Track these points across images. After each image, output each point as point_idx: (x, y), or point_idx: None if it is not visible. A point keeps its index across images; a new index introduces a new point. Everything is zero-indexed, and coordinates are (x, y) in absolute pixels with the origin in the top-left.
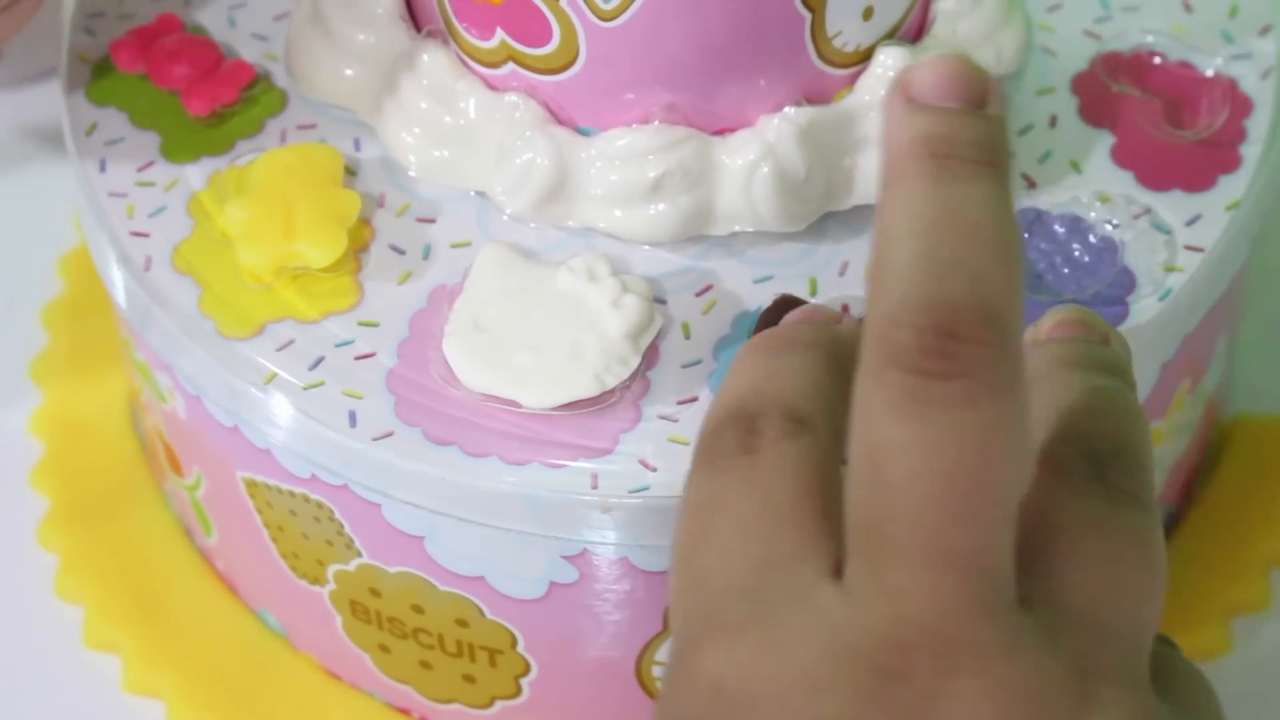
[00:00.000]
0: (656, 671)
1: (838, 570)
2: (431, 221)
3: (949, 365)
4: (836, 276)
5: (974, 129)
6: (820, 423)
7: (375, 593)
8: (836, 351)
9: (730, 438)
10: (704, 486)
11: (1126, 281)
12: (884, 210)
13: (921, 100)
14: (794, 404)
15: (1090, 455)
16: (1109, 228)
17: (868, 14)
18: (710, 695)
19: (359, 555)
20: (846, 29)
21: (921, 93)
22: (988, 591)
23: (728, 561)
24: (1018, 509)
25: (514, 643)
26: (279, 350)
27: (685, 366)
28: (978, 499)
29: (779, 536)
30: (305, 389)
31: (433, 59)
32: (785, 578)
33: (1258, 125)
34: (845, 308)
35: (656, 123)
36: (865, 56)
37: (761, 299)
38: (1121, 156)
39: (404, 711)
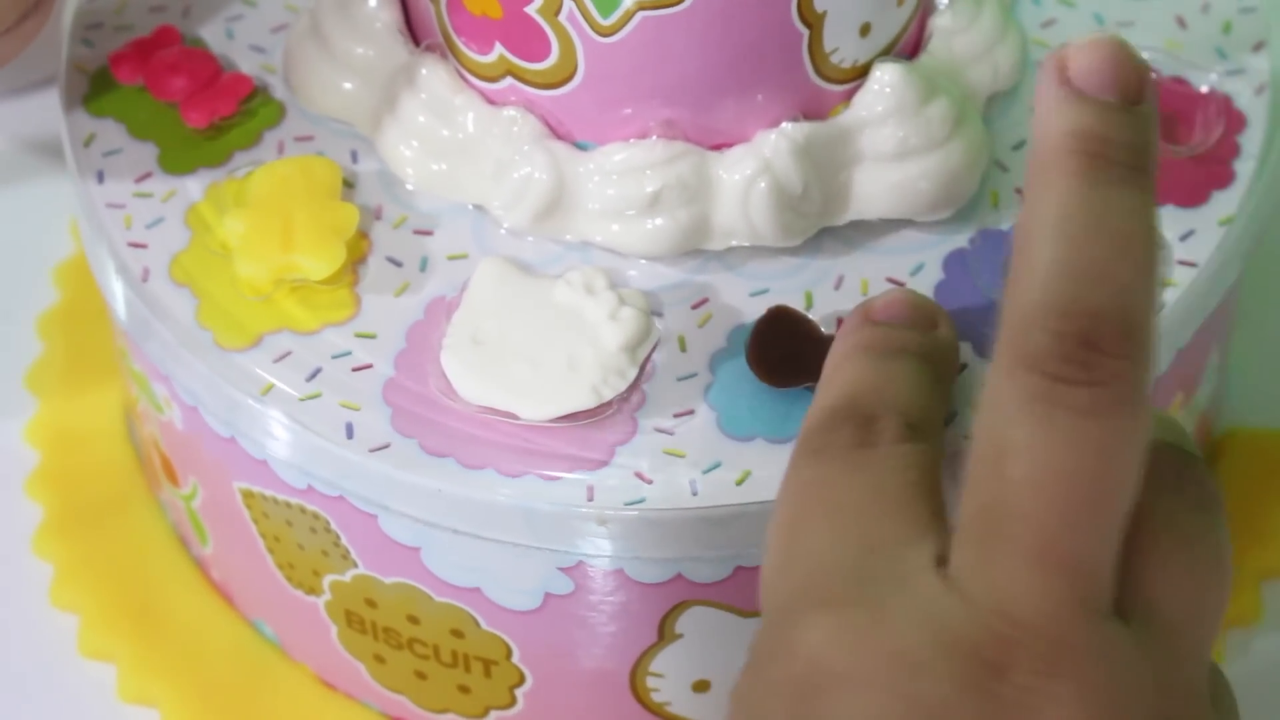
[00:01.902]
0: (651, 683)
1: (942, 562)
2: (429, 234)
3: (1086, 373)
4: (832, 290)
5: (1130, 129)
6: (932, 434)
7: (371, 603)
8: (938, 362)
9: (846, 432)
10: (811, 471)
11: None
12: (1032, 204)
13: (1079, 85)
14: (910, 411)
15: (1179, 453)
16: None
17: (865, 30)
18: (809, 665)
19: (355, 566)
20: (844, 45)
21: (1080, 77)
22: (1093, 598)
23: (836, 541)
24: None
25: (509, 654)
26: (276, 361)
27: (681, 379)
28: (1097, 507)
29: (889, 523)
30: (302, 400)
31: (431, 73)
32: (893, 561)
33: (1251, 141)
34: (840, 322)
35: (654, 138)
36: (862, 72)
37: (757, 312)
38: None
39: None
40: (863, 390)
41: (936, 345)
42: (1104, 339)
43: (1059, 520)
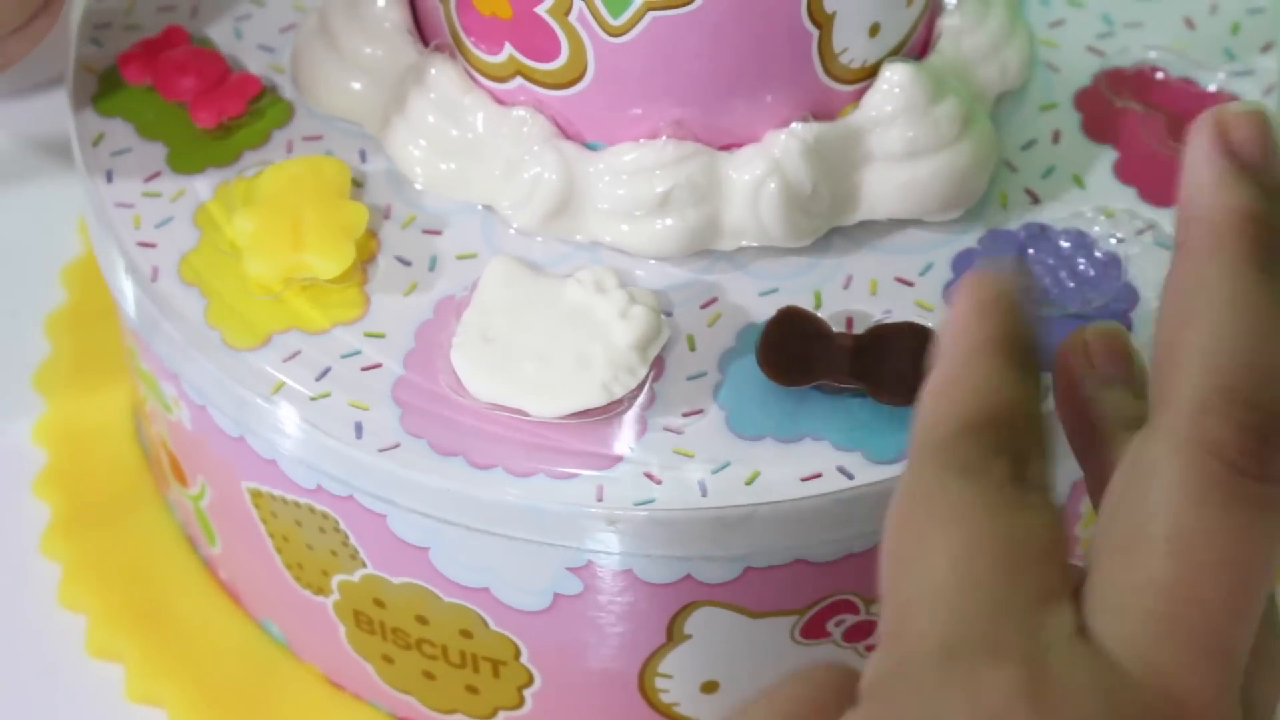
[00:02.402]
0: (660, 683)
1: (1083, 625)
2: (438, 233)
3: (1264, 468)
4: (841, 290)
5: None
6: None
7: (379, 603)
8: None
9: (1003, 464)
10: (964, 492)
11: (1130, 296)
12: (1199, 281)
13: (1245, 158)
14: (1049, 453)
15: None
16: (1113, 242)
17: (874, 30)
18: (986, 714)
19: (364, 566)
20: (853, 45)
21: (1242, 149)
22: (1236, 687)
23: (1008, 585)
24: None
25: (518, 654)
26: (286, 361)
27: (690, 379)
28: (1255, 598)
29: (1052, 574)
30: (312, 399)
31: (440, 73)
32: (1057, 616)
33: None
34: (850, 321)
35: (664, 138)
36: (871, 72)
37: (766, 312)
38: (1125, 172)
39: None
40: (1008, 407)
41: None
42: (1277, 435)
43: (1227, 609)
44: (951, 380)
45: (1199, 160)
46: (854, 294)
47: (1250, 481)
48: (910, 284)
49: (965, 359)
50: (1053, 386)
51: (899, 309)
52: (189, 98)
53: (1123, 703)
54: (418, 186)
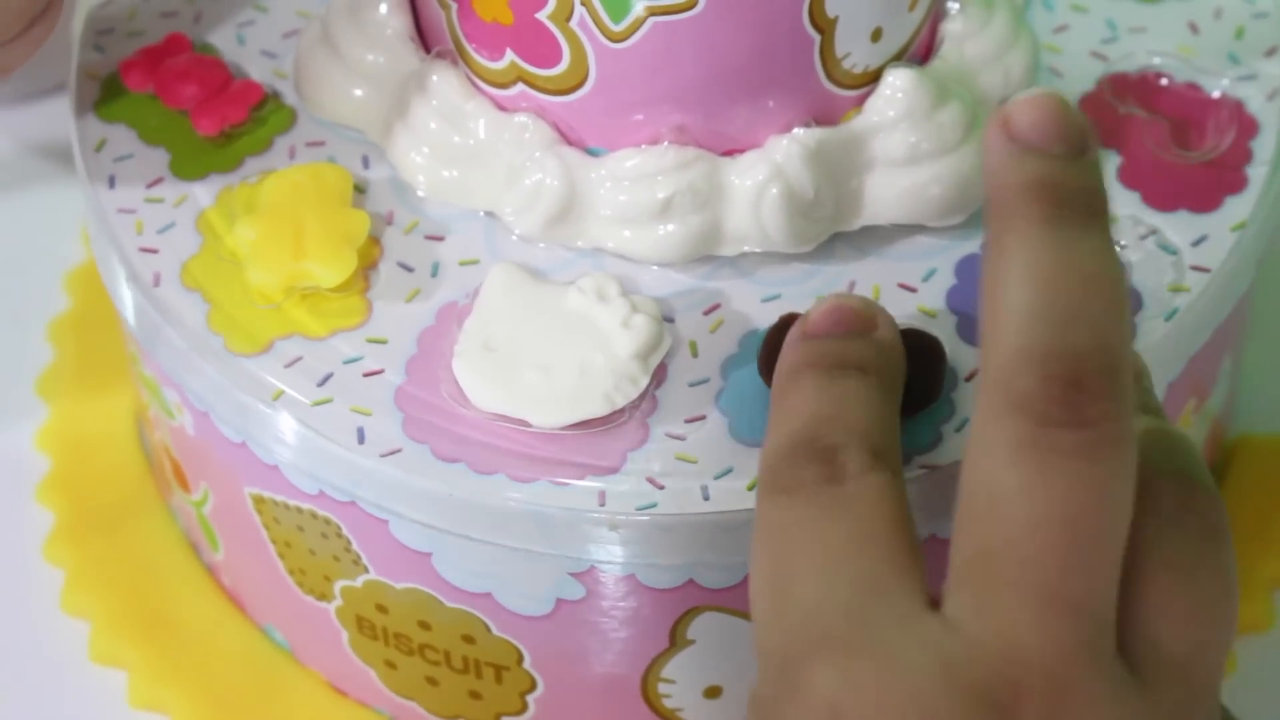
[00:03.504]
0: (663, 689)
1: (933, 602)
2: (440, 240)
3: (1074, 415)
4: None
5: (1083, 176)
6: (893, 456)
7: (382, 609)
8: (884, 370)
9: (813, 469)
10: (787, 513)
11: (1133, 301)
12: (998, 253)
13: (1024, 140)
14: (869, 434)
15: (1180, 482)
16: (1116, 248)
17: (876, 35)
18: (824, 710)
19: (366, 571)
20: (855, 50)
21: (1024, 133)
22: (1096, 639)
23: (828, 584)
24: None
25: (520, 659)
26: (287, 367)
27: (693, 385)
28: (1095, 547)
29: (879, 563)
30: (313, 405)
31: (442, 79)
32: (890, 603)
33: (1264, 146)
34: None
35: (666, 144)
36: (874, 78)
37: (769, 318)
38: (1128, 177)
39: None
40: (818, 419)
41: (880, 351)
42: (1088, 380)
43: (1060, 563)
44: (773, 412)
45: (987, 152)
46: None
47: (1062, 430)
48: (913, 290)
49: (783, 384)
50: None
51: (902, 315)
52: (191, 106)
53: (964, 673)
54: (420, 193)
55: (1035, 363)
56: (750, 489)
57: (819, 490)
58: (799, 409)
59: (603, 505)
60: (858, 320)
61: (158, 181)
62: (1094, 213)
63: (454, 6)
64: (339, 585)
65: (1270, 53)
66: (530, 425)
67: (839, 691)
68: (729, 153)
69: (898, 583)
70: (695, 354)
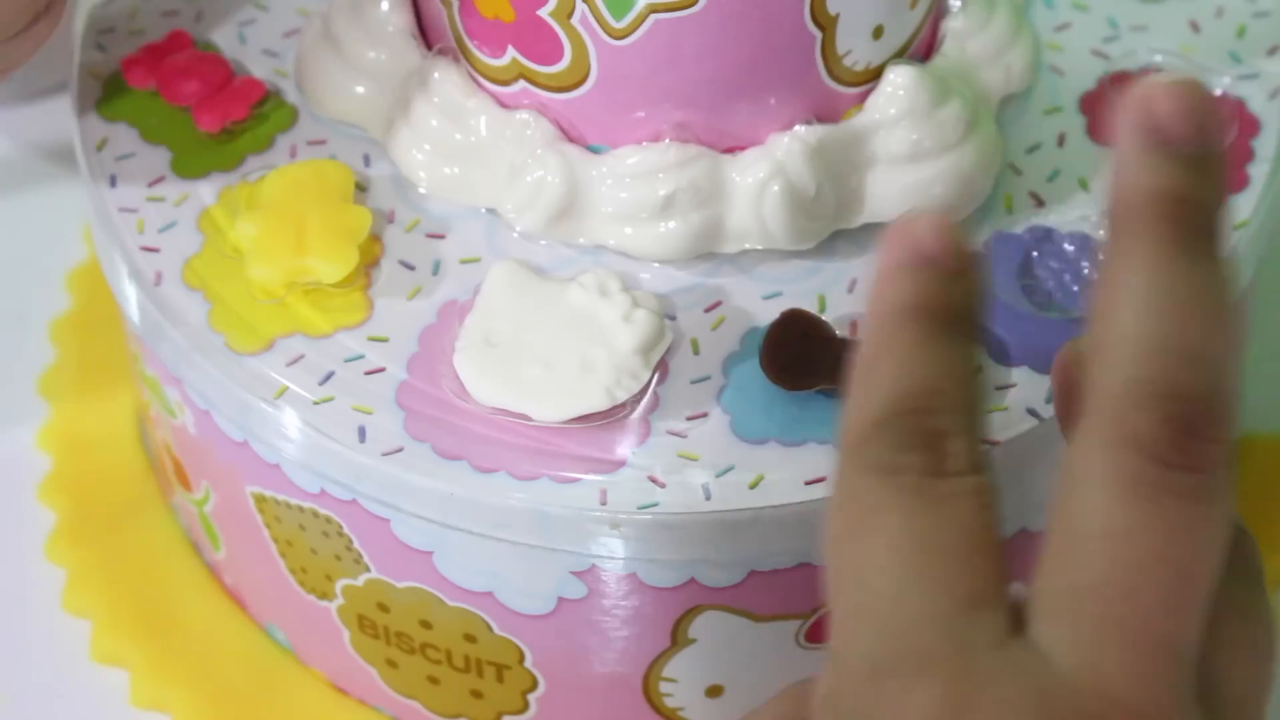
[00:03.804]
0: (664, 688)
1: (1018, 625)
2: (441, 238)
3: (1190, 459)
4: (845, 294)
5: (1212, 190)
6: (986, 450)
7: (383, 608)
8: (977, 323)
9: (917, 455)
10: (881, 495)
11: None
12: (1123, 268)
13: (1162, 131)
14: (973, 419)
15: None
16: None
17: (878, 33)
18: None
19: (367, 570)
20: (856, 48)
21: (1164, 123)
22: (1185, 681)
23: (929, 594)
24: None
25: (522, 658)
26: (289, 365)
27: (694, 382)
28: (1194, 591)
29: (979, 577)
30: (315, 404)
31: (444, 77)
32: (988, 625)
33: (1265, 145)
34: (854, 324)
35: (667, 141)
36: (875, 75)
37: (770, 315)
38: None
39: None
40: (927, 389)
41: (981, 298)
42: (1205, 424)
43: (1163, 605)
44: (868, 363)
45: (1123, 140)
46: (859, 297)
47: (1176, 473)
48: None
49: (883, 334)
50: (1052, 395)
51: None
52: (193, 102)
53: (1057, 707)
54: (421, 190)
55: (1155, 399)
56: (753, 487)
57: (921, 481)
58: (905, 367)
59: (604, 504)
60: (962, 252)
61: (159, 180)
62: (1218, 236)
63: (455, 3)
64: (340, 584)
65: (1272, 51)
66: (531, 419)
67: (944, 715)
68: (730, 150)
69: (994, 601)
70: (697, 351)
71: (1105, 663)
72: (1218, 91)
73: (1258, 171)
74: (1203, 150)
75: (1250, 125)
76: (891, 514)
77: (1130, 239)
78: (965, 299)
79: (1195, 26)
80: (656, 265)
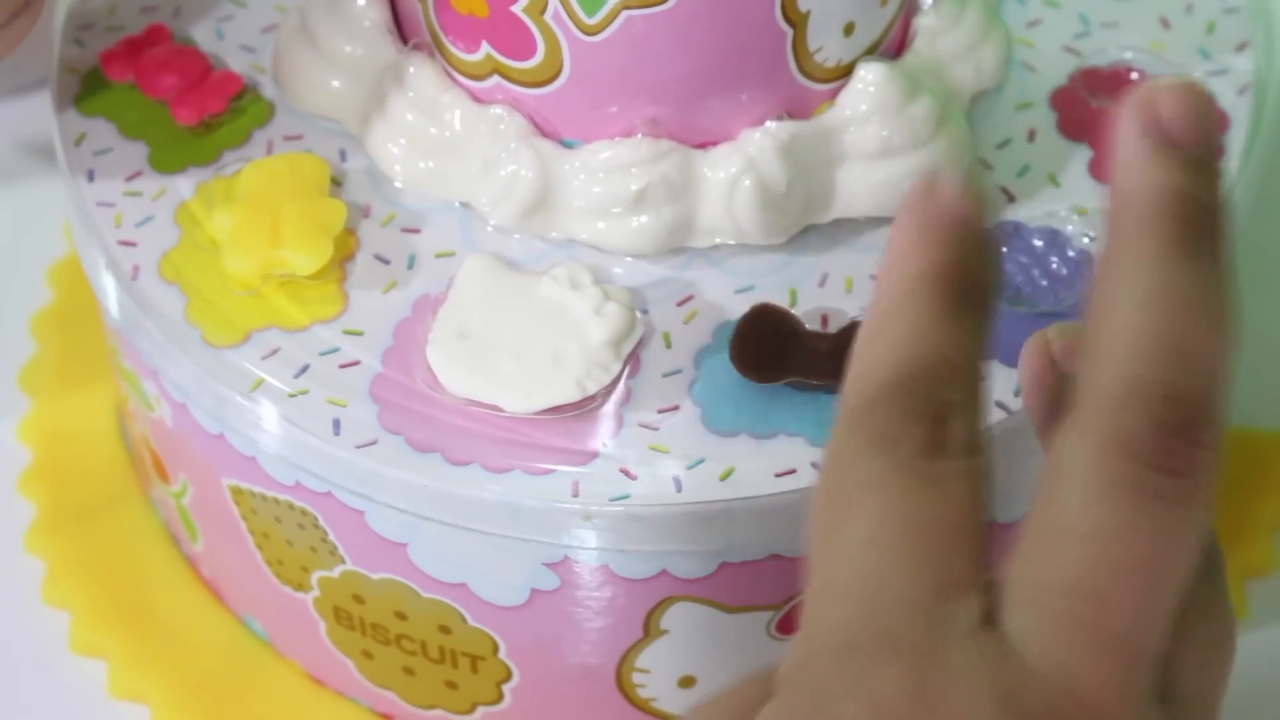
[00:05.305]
0: (637, 678)
1: (990, 616)
2: (416, 232)
3: (1179, 463)
4: (816, 288)
5: (1214, 192)
6: (984, 431)
7: (358, 599)
8: (993, 300)
9: (919, 430)
10: (875, 466)
11: None
12: (1123, 264)
13: (1165, 132)
14: (977, 396)
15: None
16: (1086, 241)
17: (849, 30)
18: (876, 713)
19: (342, 562)
20: (828, 44)
21: (1167, 124)
22: (1148, 682)
23: (911, 573)
24: None
25: (496, 649)
26: (265, 358)
27: (666, 375)
28: (1167, 595)
29: (964, 562)
30: (290, 396)
31: (419, 71)
32: (965, 611)
33: (1234, 141)
34: (825, 318)
35: (639, 136)
36: (846, 71)
37: (742, 309)
38: (1100, 171)
39: (387, 717)
40: (940, 360)
41: (999, 275)
42: (1197, 429)
43: (1137, 609)
44: (878, 328)
45: (1125, 139)
46: (829, 291)
47: (1163, 476)
48: None
49: (897, 299)
50: (1020, 384)
51: None
52: (170, 96)
53: (1020, 702)
54: (397, 184)
55: (1149, 401)
56: (723, 479)
57: (918, 456)
58: (918, 334)
59: (576, 496)
60: (1208, 134)
61: (137, 175)
62: (1220, 238)
63: None
64: (316, 576)
65: (1240, 48)
66: (503, 410)
67: (903, 700)
68: (702, 145)
69: (971, 588)
70: (668, 345)
71: (1074, 661)
72: None
73: (1227, 167)
74: (1204, 152)
75: (1220, 121)
76: (882, 491)
77: (1132, 237)
78: (984, 274)
79: (1165, 23)
80: (629, 259)
